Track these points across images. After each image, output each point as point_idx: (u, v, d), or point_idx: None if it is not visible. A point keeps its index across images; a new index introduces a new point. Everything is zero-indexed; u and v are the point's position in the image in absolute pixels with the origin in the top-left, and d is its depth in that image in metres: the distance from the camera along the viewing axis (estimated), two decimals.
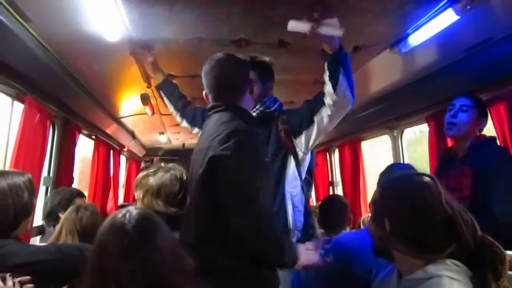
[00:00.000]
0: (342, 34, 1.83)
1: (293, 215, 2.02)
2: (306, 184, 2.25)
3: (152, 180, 1.89)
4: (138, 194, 1.94)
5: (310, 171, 2.37)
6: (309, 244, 1.69)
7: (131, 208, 1.22)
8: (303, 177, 2.13)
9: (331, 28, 1.83)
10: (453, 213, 1.14)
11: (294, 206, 2.04)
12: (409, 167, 1.96)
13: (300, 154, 2.12)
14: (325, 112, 2.01)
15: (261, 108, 2.19)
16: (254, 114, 2.20)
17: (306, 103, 2.16)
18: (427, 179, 1.23)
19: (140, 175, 1.98)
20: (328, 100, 1.98)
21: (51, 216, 2.60)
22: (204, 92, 1.78)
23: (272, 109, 2.21)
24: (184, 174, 1.92)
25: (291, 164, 2.10)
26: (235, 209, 1.47)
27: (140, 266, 1.09)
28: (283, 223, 2.00)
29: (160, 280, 1.10)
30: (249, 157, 1.52)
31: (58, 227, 2.21)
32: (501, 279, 1.10)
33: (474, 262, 1.13)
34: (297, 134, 2.11)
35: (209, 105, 1.75)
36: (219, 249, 1.52)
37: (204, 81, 1.75)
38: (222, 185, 1.50)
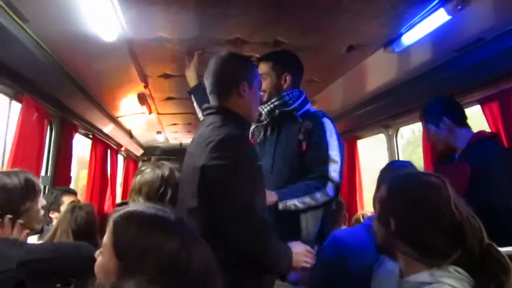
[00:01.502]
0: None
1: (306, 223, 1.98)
2: None
3: (137, 179, 1.93)
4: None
5: None
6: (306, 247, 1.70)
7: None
8: None
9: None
10: (461, 218, 1.12)
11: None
12: (408, 164, 1.98)
13: None
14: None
15: (277, 103, 2.10)
16: (266, 109, 2.14)
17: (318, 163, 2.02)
18: (436, 179, 1.20)
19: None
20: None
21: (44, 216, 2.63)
22: None
23: (291, 107, 2.10)
24: (170, 172, 1.93)
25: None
26: (231, 218, 1.47)
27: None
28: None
29: None
30: (242, 165, 1.51)
31: (53, 226, 2.23)
32: None
33: (478, 270, 1.10)
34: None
35: (203, 106, 1.77)
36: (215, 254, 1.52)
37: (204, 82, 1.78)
38: (216, 194, 1.49)
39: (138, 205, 1.11)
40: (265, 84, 2.11)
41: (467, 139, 2.25)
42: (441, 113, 2.31)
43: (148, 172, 1.92)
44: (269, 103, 2.12)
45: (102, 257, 1.02)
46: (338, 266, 1.79)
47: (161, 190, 1.87)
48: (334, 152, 1.99)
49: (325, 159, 1.97)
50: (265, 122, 2.19)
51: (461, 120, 2.31)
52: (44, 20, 2.02)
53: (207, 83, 1.74)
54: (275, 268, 1.57)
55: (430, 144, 2.91)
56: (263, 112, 2.15)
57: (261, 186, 1.59)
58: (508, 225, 1.96)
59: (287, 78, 2.16)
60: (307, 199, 1.92)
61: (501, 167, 2.09)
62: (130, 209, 1.05)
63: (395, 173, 1.67)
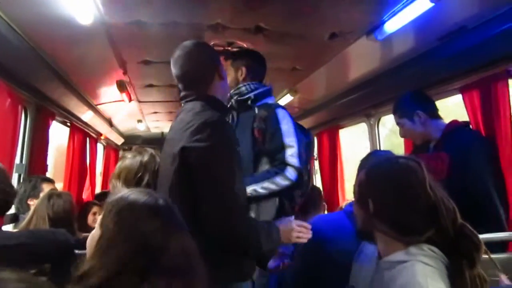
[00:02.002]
0: None
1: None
2: None
3: (119, 164, 1.98)
4: None
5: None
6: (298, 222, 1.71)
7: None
8: None
9: None
10: (436, 199, 1.16)
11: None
12: (389, 153, 2.00)
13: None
14: None
15: (233, 92, 2.26)
16: (232, 100, 2.27)
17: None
18: (412, 163, 1.24)
19: None
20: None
21: (20, 204, 2.58)
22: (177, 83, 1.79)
23: (245, 96, 2.24)
24: (150, 157, 1.95)
25: (263, 163, 2.11)
26: (210, 198, 1.48)
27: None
28: None
29: None
30: (222, 147, 1.53)
31: (30, 213, 2.19)
32: (475, 267, 1.12)
33: (451, 249, 1.15)
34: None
35: (181, 94, 1.76)
36: (193, 233, 1.51)
37: (173, 71, 1.77)
38: (196, 175, 1.50)
39: (131, 190, 1.15)
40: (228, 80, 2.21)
41: (441, 129, 2.32)
42: (414, 106, 2.35)
43: (129, 158, 1.96)
44: (233, 94, 2.28)
45: (94, 230, 1.12)
46: (318, 252, 1.80)
47: (139, 175, 1.89)
48: (289, 138, 2.08)
49: (282, 146, 2.07)
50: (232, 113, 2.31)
51: (434, 112, 2.38)
52: (16, 1, 1.94)
53: (179, 71, 1.74)
54: (257, 250, 1.55)
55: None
56: (232, 101, 2.29)
57: (240, 169, 1.60)
58: (487, 209, 2.01)
59: (242, 70, 2.30)
60: (267, 184, 2.00)
61: (478, 153, 2.15)
62: (122, 193, 1.12)
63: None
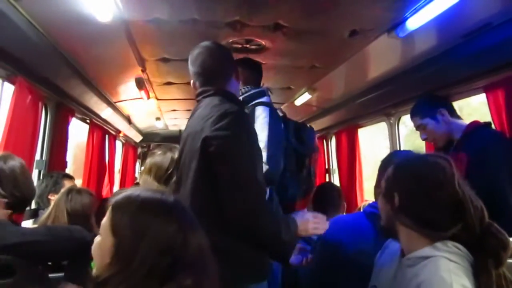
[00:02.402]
0: None
1: None
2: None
3: (149, 159, 2.07)
4: None
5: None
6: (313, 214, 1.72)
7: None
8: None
9: None
10: (463, 197, 1.15)
11: None
12: (410, 153, 1.97)
13: None
14: None
15: None
16: None
17: None
18: (442, 160, 1.24)
19: None
20: None
21: (41, 199, 2.60)
22: (191, 81, 1.84)
23: None
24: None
25: None
26: (234, 187, 1.49)
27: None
28: None
29: None
30: (243, 136, 1.56)
31: (49, 208, 2.21)
32: (501, 267, 1.10)
33: (478, 247, 1.13)
34: None
35: (198, 91, 1.79)
36: (216, 229, 1.50)
37: (191, 69, 1.82)
38: (218, 164, 1.52)
39: (136, 189, 1.13)
40: None
41: (462, 129, 2.29)
42: (437, 104, 2.30)
43: (159, 154, 2.05)
44: None
45: (100, 238, 1.05)
46: (336, 253, 1.78)
47: (169, 171, 1.97)
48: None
49: None
50: None
51: (454, 112, 2.36)
52: None
53: (199, 68, 1.78)
54: (277, 240, 1.55)
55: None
56: None
57: (260, 158, 1.64)
58: (503, 210, 1.96)
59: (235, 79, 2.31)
60: None
61: (495, 153, 2.12)
62: (127, 193, 1.08)
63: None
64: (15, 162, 1.78)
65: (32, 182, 1.87)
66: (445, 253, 1.12)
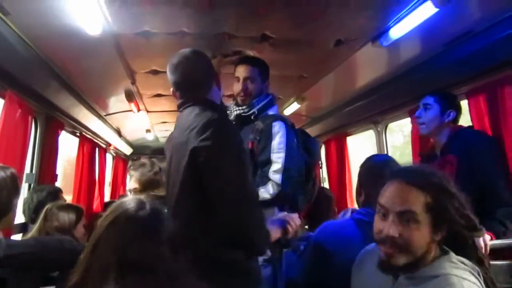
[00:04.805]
0: None
1: None
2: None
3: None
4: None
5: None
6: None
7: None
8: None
9: None
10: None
11: None
12: (387, 158, 2.00)
13: None
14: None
15: (252, 111, 2.24)
16: (237, 112, 2.28)
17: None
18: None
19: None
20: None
21: (39, 210, 2.55)
22: (172, 89, 1.82)
23: (248, 113, 2.25)
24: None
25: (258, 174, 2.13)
26: (224, 194, 1.52)
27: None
28: None
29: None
30: (228, 143, 1.57)
31: (38, 222, 2.19)
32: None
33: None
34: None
35: (179, 102, 1.79)
36: (207, 238, 1.55)
37: (170, 77, 1.80)
38: (207, 174, 1.54)
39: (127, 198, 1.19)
40: (252, 87, 2.27)
41: (447, 135, 2.32)
42: (453, 106, 2.33)
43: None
44: (244, 108, 2.27)
45: None
46: (327, 259, 1.79)
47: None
48: (276, 154, 2.12)
49: (267, 161, 2.12)
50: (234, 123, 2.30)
51: (457, 121, 2.37)
52: (26, 13, 1.97)
53: (180, 77, 1.76)
54: (261, 245, 1.64)
55: (417, 140, 2.92)
56: (234, 113, 2.30)
57: (248, 163, 1.65)
58: (498, 205, 2.01)
59: (268, 86, 2.37)
60: None
61: (483, 149, 2.17)
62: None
63: (376, 168, 1.69)
64: None
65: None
66: (452, 269, 1.10)
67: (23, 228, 2.76)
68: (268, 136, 2.14)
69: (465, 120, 2.48)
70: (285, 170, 2.10)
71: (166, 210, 1.59)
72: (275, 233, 1.72)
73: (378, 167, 1.74)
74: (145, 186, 2.45)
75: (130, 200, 1.14)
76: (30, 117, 2.68)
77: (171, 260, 1.08)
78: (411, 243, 1.13)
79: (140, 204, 1.12)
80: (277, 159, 2.10)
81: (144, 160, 2.24)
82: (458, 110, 2.36)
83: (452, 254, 1.13)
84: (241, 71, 2.30)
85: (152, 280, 1.02)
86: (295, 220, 1.79)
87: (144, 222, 1.09)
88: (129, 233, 1.07)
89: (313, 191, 2.31)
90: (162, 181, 2.47)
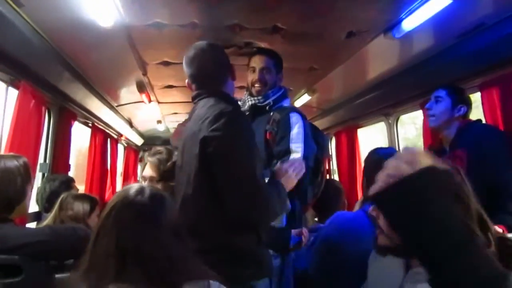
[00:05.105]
0: None
1: None
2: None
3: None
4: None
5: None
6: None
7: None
8: None
9: None
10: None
11: None
12: (392, 150, 2.00)
13: None
14: None
15: (268, 101, 2.27)
16: (252, 101, 2.30)
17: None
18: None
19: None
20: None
21: (52, 199, 2.59)
22: (187, 81, 1.84)
23: (264, 103, 2.28)
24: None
25: (273, 165, 2.11)
26: (234, 186, 1.53)
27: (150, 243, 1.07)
28: None
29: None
30: (239, 135, 1.59)
31: (53, 211, 2.23)
32: None
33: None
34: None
35: (194, 93, 1.81)
36: (219, 228, 1.58)
37: (186, 70, 1.81)
38: (217, 164, 1.56)
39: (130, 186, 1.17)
40: (268, 77, 2.30)
41: (456, 129, 2.31)
42: (464, 101, 2.31)
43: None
44: (260, 98, 2.29)
45: None
46: (338, 250, 1.80)
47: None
48: (295, 144, 2.14)
49: (287, 151, 2.13)
50: (248, 113, 2.33)
51: (465, 119, 2.34)
52: (40, 4, 2.00)
53: (195, 70, 1.78)
54: (274, 219, 1.73)
55: (429, 132, 2.90)
56: (249, 103, 2.32)
57: (258, 155, 1.67)
58: (506, 200, 2.00)
59: (281, 78, 2.41)
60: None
61: (494, 144, 2.15)
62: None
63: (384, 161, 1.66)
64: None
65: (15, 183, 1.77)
66: None
67: (37, 217, 2.82)
68: (286, 127, 2.16)
69: (477, 113, 2.46)
70: (304, 160, 2.12)
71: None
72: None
73: (385, 160, 1.73)
74: (163, 176, 2.40)
75: (131, 187, 1.14)
76: (43, 108, 2.72)
77: (173, 246, 1.08)
78: None
79: (140, 190, 1.12)
80: (296, 148, 2.13)
81: (160, 148, 2.20)
82: (469, 106, 2.34)
83: None
84: (258, 61, 2.32)
85: (153, 267, 1.02)
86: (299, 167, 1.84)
87: (140, 207, 1.09)
88: (124, 219, 1.07)
89: (321, 185, 2.32)
90: None
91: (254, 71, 2.32)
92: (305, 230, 2.06)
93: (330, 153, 4.88)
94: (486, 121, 2.38)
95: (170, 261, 1.05)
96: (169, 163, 2.11)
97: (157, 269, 1.02)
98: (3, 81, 2.42)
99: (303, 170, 1.84)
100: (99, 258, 1.04)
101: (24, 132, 2.43)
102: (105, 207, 1.12)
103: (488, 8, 2.05)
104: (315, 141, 2.32)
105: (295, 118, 2.19)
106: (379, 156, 1.86)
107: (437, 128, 2.41)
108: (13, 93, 2.45)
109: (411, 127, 6.64)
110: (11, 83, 2.44)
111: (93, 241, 1.08)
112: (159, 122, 5.65)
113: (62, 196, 2.27)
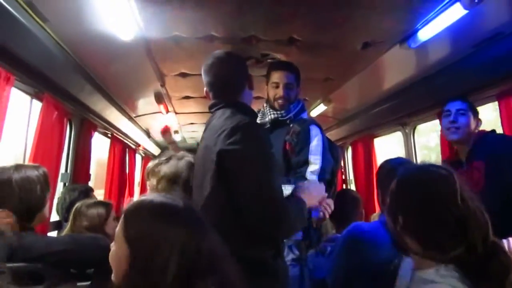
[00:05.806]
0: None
1: None
2: None
3: (166, 168, 2.00)
4: (151, 181, 2.02)
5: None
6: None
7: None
8: None
9: None
10: (467, 212, 1.09)
11: None
12: (402, 160, 1.99)
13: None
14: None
15: (284, 113, 2.35)
16: (273, 115, 2.37)
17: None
18: (445, 172, 1.18)
19: (152, 163, 2.06)
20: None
21: (71, 209, 2.64)
22: (205, 90, 1.85)
23: (286, 117, 2.36)
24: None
25: (292, 175, 2.17)
26: (250, 199, 1.51)
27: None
28: None
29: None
30: (256, 148, 1.57)
31: (70, 220, 2.26)
32: None
33: (480, 269, 1.07)
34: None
35: (211, 103, 1.82)
36: (236, 240, 1.55)
37: (204, 78, 1.83)
38: (234, 178, 1.54)
39: (148, 195, 1.15)
40: (292, 93, 2.38)
41: (472, 141, 2.33)
42: (478, 114, 2.38)
43: (177, 162, 2.05)
44: (283, 113, 2.37)
45: (115, 246, 1.08)
46: (354, 257, 1.79)
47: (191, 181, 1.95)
48: (314, 156, 2.22)
49: (305, 162, 2.21)
50: (268, 126, 2.39)
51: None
52: (63, 19, 2.07)
53: (213, 78, 1.80)
54: (292, 233, 1.75)
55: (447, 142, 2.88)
56: (270, 117, 2.38)
57: (276, 168, 1.64)
58: None
59: (300, 91, 2.48)
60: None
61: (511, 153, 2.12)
62: (140, 199, 1.12)
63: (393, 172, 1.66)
64: (17, 173, 1.77)
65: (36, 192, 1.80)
66: (450, 279, 1.08)
67: (58, 225, 2.88)
68: (306, 139, 2.24)
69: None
70: (321, 171, 2.19)
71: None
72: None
73: (397, 170, 1.73)
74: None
75: (159, 197, 1.13)
76: (65, 119, 2.80)
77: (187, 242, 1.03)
78: None
79: (168, 198, 1.12)
80: (315, 160, 2.20)
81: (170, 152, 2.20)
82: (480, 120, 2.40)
83: (454, 266, 1.11)
84: (282, 77, 2.38)
85: (160, 259, 0.99)
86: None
87: (151, 208, 1.07)
88: (131, 220, 1.06)
89: (333, 197, 2.33)
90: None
91: (277, 86, 2.38)
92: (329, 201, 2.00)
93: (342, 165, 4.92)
94: (503, 130, 2.37)
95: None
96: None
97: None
98: (27, 93, 2.50)
99: (324, 193, 1.88)
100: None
101: (47, 142, 2.50)
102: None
103: (505, 17, 2.04)
104: (330, 153, 2.35)
105: (314, 131, 2.27)
106: (390, 166, 1.86)
107: (460, 140, 2.38)
108: (37, 105, 2.52)
109: (434, 135, 6.54)
110: (35, 95, 2.52)
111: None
112: (176, 132, 5.70)
113: (75, 206, 2.30)
